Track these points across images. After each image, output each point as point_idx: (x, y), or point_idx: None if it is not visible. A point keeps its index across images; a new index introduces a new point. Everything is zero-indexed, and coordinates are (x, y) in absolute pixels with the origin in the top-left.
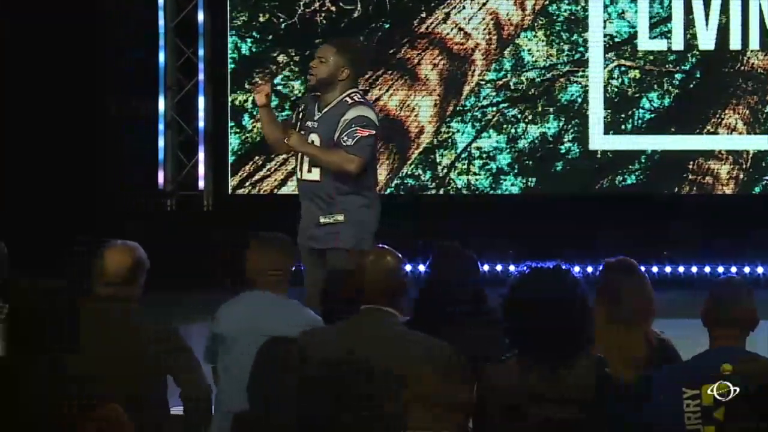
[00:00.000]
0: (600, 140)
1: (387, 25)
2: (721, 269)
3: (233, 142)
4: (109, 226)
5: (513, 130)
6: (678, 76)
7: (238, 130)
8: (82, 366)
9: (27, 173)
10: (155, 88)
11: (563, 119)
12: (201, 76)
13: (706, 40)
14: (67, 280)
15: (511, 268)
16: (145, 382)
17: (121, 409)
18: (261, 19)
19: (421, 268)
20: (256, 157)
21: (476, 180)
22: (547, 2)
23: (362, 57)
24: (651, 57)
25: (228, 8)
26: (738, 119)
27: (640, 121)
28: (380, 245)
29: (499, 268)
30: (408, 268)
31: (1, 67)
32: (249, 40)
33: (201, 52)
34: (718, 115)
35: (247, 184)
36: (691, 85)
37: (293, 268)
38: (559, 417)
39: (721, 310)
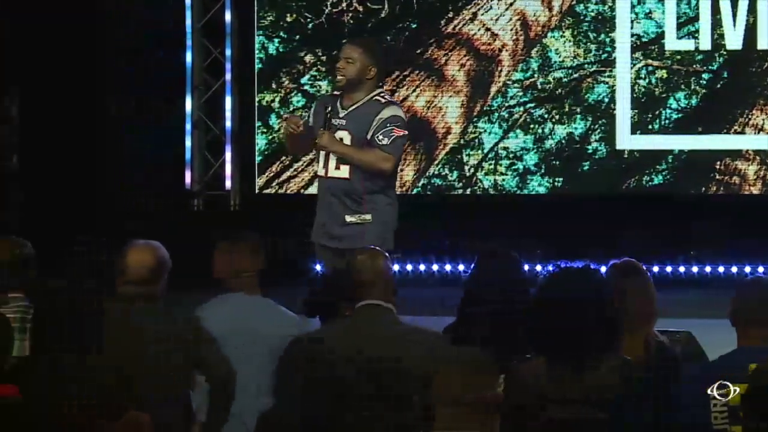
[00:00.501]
0: (627, 140)
1: (414, 25)
2: (748, 269)
3: (260, 141)
4: (134, 226)
5: (540, 130)
6: (705, 75)
7: (264, 130)
8: (106, 366)
9: (46, 172)
10: (182, 89)
11: (590, 119)
12: (228, 76)
13: (734, 40)
14: (93, 280)
15: (538, 268)
16: (170, 382)
17: (145, 416)
18: (288, 19)
19: (448, 267)
20: (283, 157)
21: (503, 180)
22: (574, 2)
23: (386, 55)
24: (678, 57)
25: (255, 8)
26: (765, 119)
27: (667, 121)
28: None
29: (525, 267)
30: (435, 267)
31: (18, 66)
32: (276, 39)
33: (228, 52)
34: (745, 115)
35: (274, 183)
36: (719, 85)
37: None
38: (583, 417)
39: (749, 309)
